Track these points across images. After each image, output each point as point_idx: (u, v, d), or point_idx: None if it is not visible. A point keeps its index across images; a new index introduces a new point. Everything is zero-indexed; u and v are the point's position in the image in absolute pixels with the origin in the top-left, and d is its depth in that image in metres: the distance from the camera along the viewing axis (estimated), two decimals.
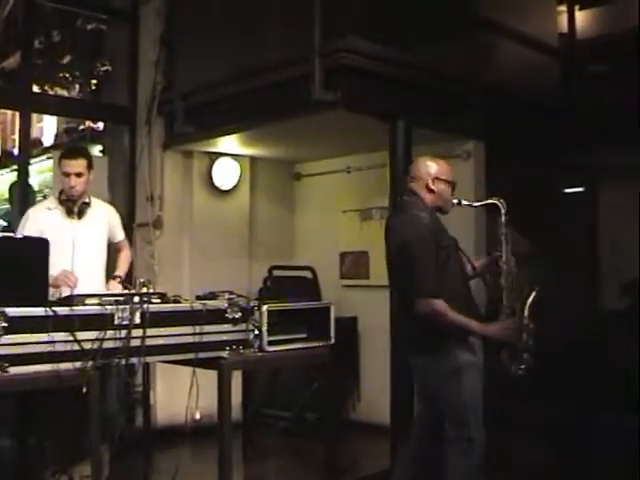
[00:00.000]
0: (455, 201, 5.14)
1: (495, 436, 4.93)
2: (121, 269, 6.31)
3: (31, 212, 6.05)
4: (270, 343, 5.31)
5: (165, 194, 8.43)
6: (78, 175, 5.82)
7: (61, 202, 5.92)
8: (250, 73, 7.38)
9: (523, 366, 4.94)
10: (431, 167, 5.08)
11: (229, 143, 8.41)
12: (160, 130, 8.52)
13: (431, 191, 5.03)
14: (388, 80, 6.98)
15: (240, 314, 5.20)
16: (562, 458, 6.79)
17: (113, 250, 6.38)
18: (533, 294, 5.01)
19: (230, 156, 8.90)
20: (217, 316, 5.10)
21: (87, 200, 5.97)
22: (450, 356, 4.85)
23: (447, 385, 4.89)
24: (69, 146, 6.51)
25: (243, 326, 5.23)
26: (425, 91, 7.29)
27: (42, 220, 5.85)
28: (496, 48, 8.41)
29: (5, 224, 19.26)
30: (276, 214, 9.53)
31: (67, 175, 5.82)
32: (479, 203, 5.40)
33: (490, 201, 5.18)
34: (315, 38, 6.61)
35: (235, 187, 9.02)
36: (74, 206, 5.87)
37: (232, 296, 5.30)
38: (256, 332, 5.28)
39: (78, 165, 5.84)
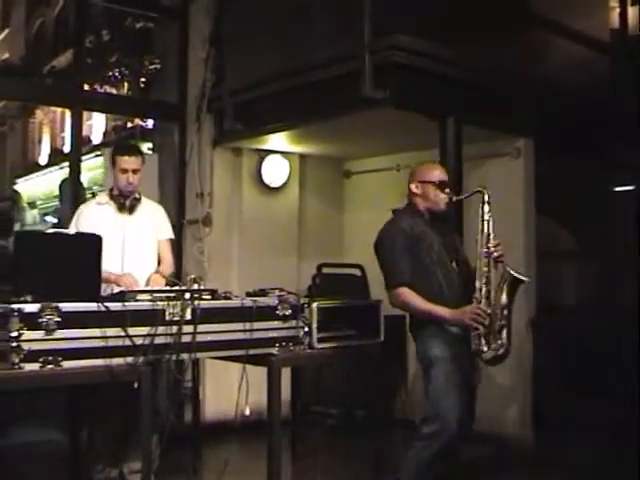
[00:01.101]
0: (445, 198, 5.21)
1: (546, 435, 4.92)
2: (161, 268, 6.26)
3: (83, 207, 6.08)
4: (320, 340, 5.33)
5: (215, 191, 8.48)
6: (135, 172, 5.85)
7: (112, 197, 5.94)
8: (299, 70, 7.41)
9: (498, 351, 4.94)
10: (413, 173, 5.32)
11: (278, 140, 8.44)
12: (210, 127, 8.57)
13: (417, 195, 5.23)
14: (437, 77, 6.97)
15: (290, 311, 5.22)
16: (612, 457, 6.74)
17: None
18: (510, 274, 5.00)
19: (279, 153, 8.93)
20: (267, 313, 5.12)
21: (137, 196, 5.99)
22: (423, 347, 5.04)
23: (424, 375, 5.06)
24: (122, 143, 6.51)
25: (293, 323, 5.24)
26: (474, 88, 7.26)
27: (94, 215, 5.88)
28: (546, 44, 8.35)
29: (55, 221, 19.53)
30: (325, 212, 9.54)
31: (124, 172, 5.83)
32: (466, 195, 5.48)
33: (477, 189, 5.17)
34: (365, 35, 6.62)
35: (284, 184, 9.06)
36: (126, 201, 5.90)
37: (282, 293, 5.32)
38: (306, 329, 5.29)
39: (135, 162, 5.86)
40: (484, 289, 4.92)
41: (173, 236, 6.36)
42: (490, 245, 4.98)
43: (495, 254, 4.98)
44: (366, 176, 9.51)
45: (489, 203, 5.06)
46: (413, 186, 5.23)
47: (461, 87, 7.14)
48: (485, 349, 4.89)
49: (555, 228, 8.37)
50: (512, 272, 5.00)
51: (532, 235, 7.84)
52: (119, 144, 6.27)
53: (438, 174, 5.25)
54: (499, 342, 4.91)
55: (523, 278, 5.04)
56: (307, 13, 7.46)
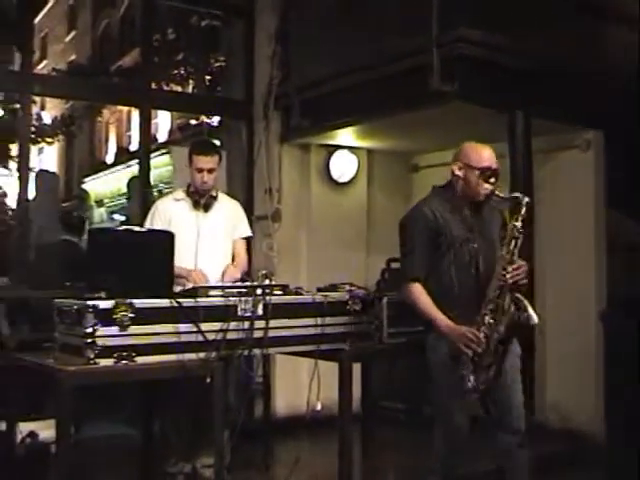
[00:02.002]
0: (487, 189, 4.74)
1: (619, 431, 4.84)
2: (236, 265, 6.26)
3: (159, 203, 6.13)
4: (390, 335, 5.31)
5: (283, 187, 8.51)
6: (210, 171, 5.86)
7: (189, 194, 5.98)
8: (365, 65, 7.39)
9: (479, 386, 4.56)
10: (462, 151, 4.84)
11: (346, 136, 8.44)
12: (277, 124, 8.60)
13: (459, 178, 4.78)
14: (505, 70, 6.93)
15: (361, 306, 5.22)
16: None
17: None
18: (511, 307, 4.57)
19: (347, 149, 8.93)
20: (338, 308, 5.13)
21: (214, 194, 6.00)
22: (429, 345, 4.81)
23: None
24: (199, 141, 6.53)
25: (363, 318, 5.24)
26: (542, 80, 7.19)
27: (169, 211, 5.92)
28: (616, 33, 8.23)
29: (123, 218, 19.69)
30: (393, 206, 9.46)
31: (200, 171, 5.84)
32: (506, 195, 4.90)
33: (515, 195, 4.78)
34: (433, 28, 6.59)
35: (352, 180, 9.06)
36: (201, 199, 5.92)
37: (353, 288, 5.32)
38: (376, 324, 5.28)
39: (211, 161, 5.86)
40: (488, 316, 4.54)
41: (250, 234, 6.31)
42: (509, 269, 4.55)
43: (511, 281, 4.55)
44: (434, 170, 9.44)
45: (524, 218, 4.61)
46: (456, 167, 4.79)
47: (529, 79, 7.07)
48: (470, 379, 4.53)
49: (627, 221, 8.24)
50: (527, 309, 4.52)
51: (602, 228, 7.74)
52: (196, 142, 6.27)
53: (486, 159, 4.75)
54: (483, 378, 4.54)
55: (534, 318, 4.52)
56: (373, 8, 7.44)
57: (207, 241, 5.87)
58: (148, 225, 5.90)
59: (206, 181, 5.85)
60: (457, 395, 4.62)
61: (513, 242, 4.58)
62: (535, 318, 4.52)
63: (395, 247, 9.06)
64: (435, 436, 4.82)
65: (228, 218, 6.05)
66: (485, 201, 4.81)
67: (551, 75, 7.25)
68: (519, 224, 4.59)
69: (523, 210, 4.62)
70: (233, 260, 6.03)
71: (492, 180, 4.74)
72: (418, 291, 4.68)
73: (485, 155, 4.76)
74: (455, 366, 4.58)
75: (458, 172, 4.78)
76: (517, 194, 4.78)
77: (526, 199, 4.65)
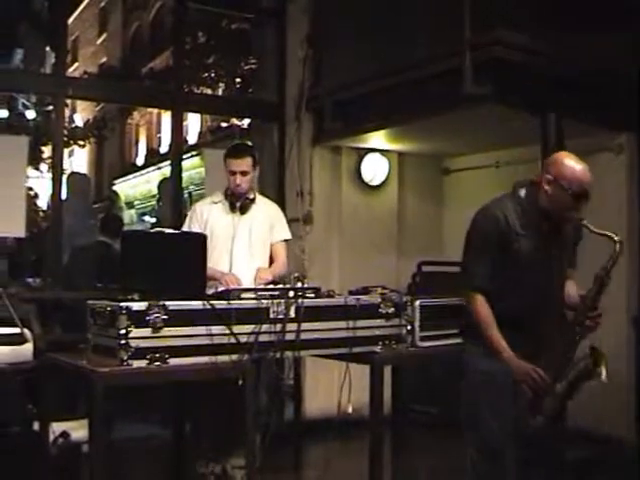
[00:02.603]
0: (574, 216, 4.28)
1: None
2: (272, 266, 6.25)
3: (197, 206, 6.16)
4: (422, 338, 5.31)
5: (314, 190, 8.53)
6: (243, 174, 5.87)
7: (226, 197, 6.01)
8: (398, 69, 7.41)
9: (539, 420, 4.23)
10: (557, 167, 4.28)
11: (377, 139, 8.45)
12: (309, 126, 8.62)
13: (546, 192, 4.27)
14: (538, 72, 6.90)
15: (393, 309, 5.21)
16: None
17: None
18: (582, 363, 4.21)
19: (378, 151, 8.93)
20: (370, 311, 5.12)
21: (252, 196, 6.01)
22: (478, 352, 4.41)
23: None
24: (234, 144, 6.54)
25: (396, 321, 5.23)
26: (575, 83, 7.15)
27: (206, 213, 5.96)
28: None
29: (153, 220, 19.78)
30: (425, 209, 9.52)
31: (233, 174, 5.86)
32: (599, 231, 4.26)
33: (608, 234, 4.24)
34: (465, 31, 6.57)
35: (384, 182, 9.07)
36: (237, 201, 5.94)
37: (385, 291, 5.31)
38: (408, 327, 5.27)
39: (243, 164, 5.87)
40: (559, 359, 4.22)
41: (289, 236, 6.27)
42: (590, 314, 4.23)
43: (588, 322, 4.23)
44: (465, 173, 9.46)
45: (615, 261, 4.24)
46: (544, 180, 4.27)
47: (561, 82, 7.03)
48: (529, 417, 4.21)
49: None
50: (601, 364, 4.13)
51: (636, 233, 7.68)
52: (231, 145, 6.29)
53: (586, 184, 4.22)
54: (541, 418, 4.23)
55: (603, 377, 4.14)
56: (406, 10, 7.44)
57: (242, 244, 5.88)
58: (186, 228, 5.95)
59: (239, 184, 5.86)
60: (501, 412, 4.28)
61: (600, 287, 4.24)
62: (605, 377, 4.14)
63: (426, 250, 9.14)
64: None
65: (265, 221, 6.04)
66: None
67: (584, 78, 7.22)
68: (610, 268, 4.24)
69: (617, 252, 4.24)
70: (271, 263, 6.03)
71: (582, 207, 4.27)
72: (483, 307, 4.28)
73: (585, 179, 4.24)
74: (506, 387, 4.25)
75: (547, 186, 4.26)
76: (612, 234, 4.27)
77: (618, 238, 4.26)
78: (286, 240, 6.21)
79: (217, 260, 5.71)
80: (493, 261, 4.30)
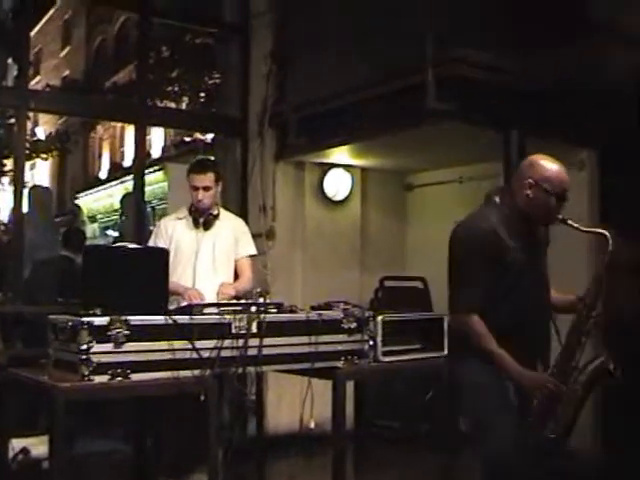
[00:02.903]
0: (559, 217, 4.22)
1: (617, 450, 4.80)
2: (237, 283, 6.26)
3: (162, 221, 6.21)
4: (385, 353, 5.31)
5: (277, 205, 8.53)
6: (206, 189, 5.89)
7: (190, 213, 6.02)
8: (361, 85, 7.43)
9: (552, 435, 4.11)
10: (537, 170, 4.20)
11: (341, 154, 8.47)
12: (272, 142, 8.62)
13: (527, 196, 4.17)
14: (501, 89, 6.95)
15: (355, 324, 5.21)
16: None
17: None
18: (598, 360, 4.17)
19: (342, 167, 8.96)
20: (333, 326, 5.11)
21: (215, 212, 6.04)
22: (475, 369, 4.25)
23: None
24: (197, 159, 6.56)
25: (358, 336, 5.23)
26: (538, 100, 7.21)
27: (172, 229, 6.00)
28: (610, 52, 8.26)
29: (116, 234, 19.70)
30: (388, 225, 9.55)
31: (195, 189, 5.90)
32: (587, 229, 4.38)
33: (599, 230, 4.29)
34: (428, 48, 6.62)
35: (347, 198, 9.09)
36: (201, 217, 5.96)
37: (347, 306, 5.32)
38: (371, 342, 5.28)
39: (206, 179, 5.91)
40: (569, 363, 4.14)
41: (254, 252, 6.31)
42: (593, 314, 4.18)
43: (591, 323, 4.17)
44: (428, 189, 9.51)
45: (611, 254, 4.19)
46: (526, 184, 4.17)
47: (524, 99, 7.09)
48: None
49: (620, 243, 8.25)
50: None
51: (595, 247, 7.74)
52: (194, 161, 6.31)
53: (565, 183, 4.20)
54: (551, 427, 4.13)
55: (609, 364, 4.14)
56: (369, 27, 7.47)
57: (206, 259, 5.92)
58: (152, 243, 6.03)
59: (201, 199, 5.89)
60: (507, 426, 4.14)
61: (599, 286, 4.21)
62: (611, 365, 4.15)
63: (388, 265, 9.17)
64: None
65: (229, 236, 6.07)
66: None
67: (547, 95, 7.28)
68: (603, 267, 4.22)
69: (609, 249, 4.19)
70: (237, 278, 6.04)
71: (562, 208, 4.23)
72: (479, 326, 4.10)
73: (565, 179, 4.21)
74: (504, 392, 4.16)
75: (528, 190, 4.17)
76: (603, 231, 4.26)
77: (608, 234, 4.22)
78: (251, 255, 6.23)
79: (181, 275, 5.74)
80: (485, 277, 4.13)
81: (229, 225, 6.15)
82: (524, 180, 4.19)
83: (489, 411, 4.21)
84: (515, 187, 4.26)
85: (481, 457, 4.32)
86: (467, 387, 4.31)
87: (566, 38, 7.37)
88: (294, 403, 5.26)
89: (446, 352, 5.62)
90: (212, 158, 7.80)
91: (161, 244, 5.86)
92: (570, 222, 4.21)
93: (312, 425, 5.21)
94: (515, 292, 4.16)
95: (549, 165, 4.21)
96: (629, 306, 5.74)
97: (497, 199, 4.31)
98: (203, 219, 5.97)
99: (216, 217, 6.04)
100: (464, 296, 4.21)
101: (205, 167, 6.06)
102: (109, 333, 4.30)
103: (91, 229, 29.56)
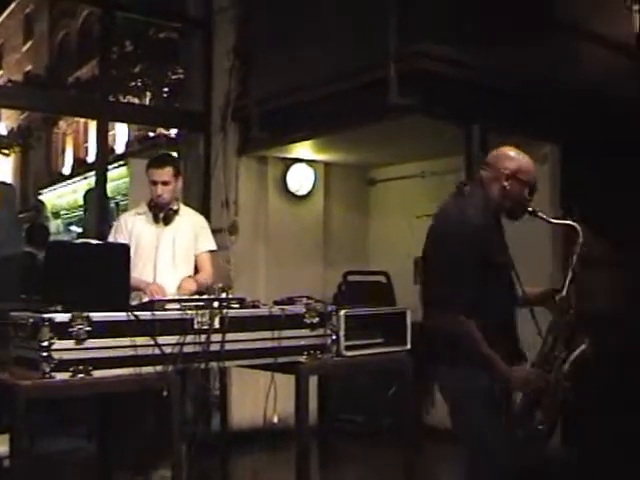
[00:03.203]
0: (530, 209, 4.24)
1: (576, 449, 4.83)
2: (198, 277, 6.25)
3: (122, 217, 6.21)
4: (347, 348, 5.30)
5: (240, 200, 8.54)
6: (165, 184, 5.89)
7: (150, 208, 6.01)
8: (324, 79, 7.43)
9: (540, 426, 4.10)
10: (512, 161, 4.19)
11: (303, 149, 8.48)
12: (235, 136, 8.63)
13: (503, 188, 4.16)
14: (463, 84, 6.99)
15: (318, 319, 5.20)
16: None
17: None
18: (580, 348, 4.16)
19: (304, 162, 8.96)
20: (295, 321, 5.10)
21: (175, 207, 6.03)
22: (466, 374, 4.13)
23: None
24: (156, 155, 6.55)
25: (321, 331, 5.22)
26: (501, 95, 7.26)
27: (131, 224, 5.99)
28: (573, 49, 8.33)
29: (80, 230, 19.60)
30: (350, 219, 9.57)
31: (154, 184, 5.90)
32: (557, 220, 4.43)
33: (568, 222, 4.28)
34: (390, 43, 6.64)
35: (310, 193, 9.11)
36: (160, 212, 5.95)
37: (310, 301, 5.32)
38: (333, 337, 5.28)
39: (164, 174, 5.91)
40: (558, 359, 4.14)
41: (213, 247, 6.31)
42: (572, 304, 4.17)
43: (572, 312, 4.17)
44: (391, 183, 9.54)
45: (581, 245, 4.20)
46: (504, 177, 4.16)
47: (487, 93, 7.14)
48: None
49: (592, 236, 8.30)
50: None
51: (559, 243, 7.80)
52: (153, 156, 6.30)
53: (535, 176, 4.23)
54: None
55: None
56: (333, 23, 7.48)
57: (166, 254, 5.91)
58: (112, 239, 5.99)
59: (160, 194, 5.89)
60: (502, 430, 4.10)
61: (573, 277, 4.21)
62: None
63: (351, 260, 9.20)
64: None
65: (189, 232, 6.08)
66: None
67: (509, 90, 7.32)
68: (575, 259, 4.21)
69: (580, 240, 4.20)
70: (197, 273, 6.04)
71: (531, 199, 4.25)
72: (471, 326, 3.93)
73: (534, 169, 4.26)
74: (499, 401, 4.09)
75: (505, 182, 4.16)
76: (573, 223, 4.28)
77: (578, 225, 4.24)
78: (211, 251, 6.22)
79: (141, 271, 5.74)
80: (477, 275, 4.00)
81: (189, 220, 6.15)
82: (500, 171, 4.17)
83: (480, 414, 4.12)
84: (488, 179, 4.22)
85: (470, 457, 4.25)
86: (456, 390, 4.20)
87: (531, 34, 7.42)
88: (258, 398, 5.24)
89: (408, 346, 5.66)
90: (172, 153, 7.78)
91: (121, 240, 5.84)
92: (540, 214, 4.23)
93: (275, 420, 5.18)
94: (498, 290, 4.12)
95: (521, 156, 4.23)
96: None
97: (467, 191, 4.24)
98: (163, 214, 5.97)
99: (176, 212, 6.04)
100: (460, 297, 3.98)
101: (164, 162, 6.06)
102: (70, 330, 4.26)
103: (55, 225, 29.39)
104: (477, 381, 4.05)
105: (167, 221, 5.98)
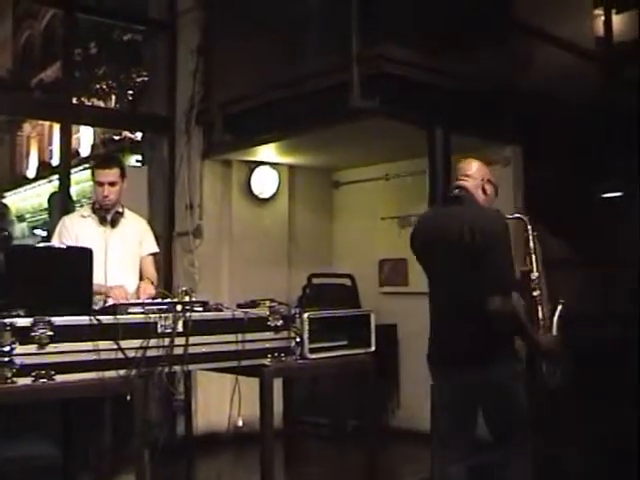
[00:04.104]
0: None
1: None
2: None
3: (66, 219, 6.10)
4: (311, 350, 5.31)
5: (204, 203, 8.52)
6: (111, 184, 5.84)
7: (94, 211, 5.96)
8: (287, 82, 7.43)
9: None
10: (484, 168, 4.88)
11: (267, 152, 8.46)
12: (199, 139, 8.61)
13: (484, 192, 4.80)
14: (425, 87, 7.01)
15: (281, 322, 5.21)
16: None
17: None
18: (559, 307, 4.89)
19: (269, 165, 8.96)
20: (259, 324, 5.11)
21: (120, 210, 6.00)
22: (515, 375, 4.69)
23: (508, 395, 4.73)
24: (102, 156, 6.54)
25: (284, 334, 5.23)
26: (463, 98, 7.29)
27: (76, 227, 5.91)
28: (534, 52, 8.39)
29: (44, 234, 19.50)
30: (315, 222, 9.57)
31: (100, 184, 5.84)
32: (509, 216, 4.95)
33: (516, 215, 5.13)
34: (353, 46, 6.65)
35: (274, 195, 9.10)
36: (107, 214, 5.91)
37: (273, 304, 5.32)
38: (297, 340, 5.28)
39: (111, 174, 5.85)
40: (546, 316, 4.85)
41: (157, 250, 6.33)
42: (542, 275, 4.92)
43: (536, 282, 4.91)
44: (355, 186, 9.55)
45: (533, 230, 5.00)
46: (486, 181, 4.86)
47: (449, 96, 7.17)
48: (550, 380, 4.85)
49: (545, 236, 8.37)
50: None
51: (520, 243, 7.83)
52: (100, 157, 6.30)
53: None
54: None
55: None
56: (296, 25, 7.49)
57: (116, 257, 5.85)
58: (56, 241, 5.85)
59: (107, 195, 5.84)
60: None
61: (533, 255, 4.93)
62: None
63: (316, 262, 9.20)
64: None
65: (135, 234, 6.07)
66: None
67: (472, 93, 7.36)
68: (532, 239, 4.95)
69: (530, 229, 4.98)
70: (141, 277, 6.01)
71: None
72: (518, 303, 4.73)
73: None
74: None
75: (487, 186, 4.86)
76: (521, 215, 5.13)
77: (526, 217, 5.04)
78: (153, 253, 6.23)
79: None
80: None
81: (134, 224, 6.15)
82: (479, 179, 4.82)
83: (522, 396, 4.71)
84: (473, 187, 4.80)
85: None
86: (504, 376, 4.63)
87: (492, 37, 7.47)
88: (223, 402, 5.24)
89: (373, 348, 5.67)
90: (118, 154, 7.74)
91: (66, 242, 5.74)
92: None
93: (240, 423, 5.19)
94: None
95: (484, 163, 4.94)
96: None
97: (466, 197, 4.78)
98: (110, 217, 5.92)
99: (121, 215, 6.00)
100: (512, 277, 4.60)
101: (110, 162, 6.02)
102: (32, 334, 4.23)
103: (20, 228, 29.17)
104: (521, 365, 4.70)
105: (114, 224, 5.94)
